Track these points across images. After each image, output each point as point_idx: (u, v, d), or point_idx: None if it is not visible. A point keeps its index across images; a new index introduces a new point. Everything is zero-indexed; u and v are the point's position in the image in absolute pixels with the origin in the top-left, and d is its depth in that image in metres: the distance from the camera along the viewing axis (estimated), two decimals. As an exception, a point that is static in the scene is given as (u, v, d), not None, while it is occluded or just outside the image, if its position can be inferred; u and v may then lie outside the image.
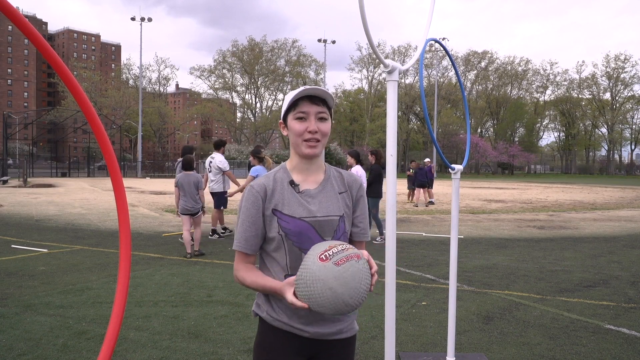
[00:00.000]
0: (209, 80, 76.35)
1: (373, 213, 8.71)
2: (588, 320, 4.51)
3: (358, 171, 8.35)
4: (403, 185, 18.38)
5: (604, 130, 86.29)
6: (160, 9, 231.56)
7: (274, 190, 1.62)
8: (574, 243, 9.09)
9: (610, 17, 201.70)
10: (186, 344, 3.78)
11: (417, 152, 78.16)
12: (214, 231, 9.27)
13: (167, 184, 29.35)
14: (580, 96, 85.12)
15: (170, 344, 3.78)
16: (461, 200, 19.51)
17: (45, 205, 15.02)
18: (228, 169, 9.31)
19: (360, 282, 1.41)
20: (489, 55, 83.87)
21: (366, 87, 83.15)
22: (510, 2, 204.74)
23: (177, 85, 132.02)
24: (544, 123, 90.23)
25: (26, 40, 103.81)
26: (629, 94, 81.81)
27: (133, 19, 52.38)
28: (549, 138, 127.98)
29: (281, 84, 78.04)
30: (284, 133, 1.67)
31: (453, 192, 3.42)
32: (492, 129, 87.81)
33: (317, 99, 1.60)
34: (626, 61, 79.72)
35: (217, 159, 9.25)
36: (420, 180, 17.07)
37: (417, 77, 77.71)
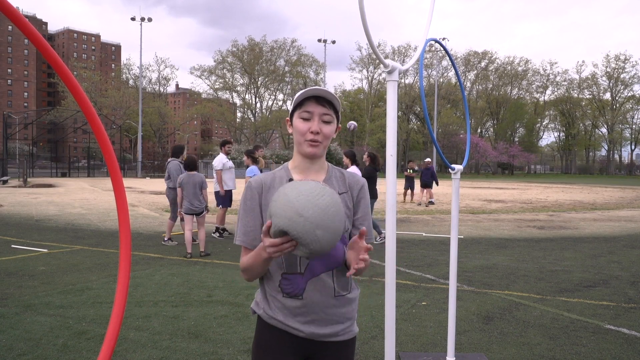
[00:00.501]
0: (209, 80, 76.42)
1: None
2: (588, 320, 4.51)
3: (354, 172, 8.36)
4: (401, 185, 18.37)
5: (604, 130, 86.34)
6: (160, 9, 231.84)
7: (271, 187, 1.63)
8: (574, 243, 9.09)
9: (611, 17, 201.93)
10: (186, 344, 3.78)
11: (417, 152, 78.18)
12: (223, 229, 9.44)
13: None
14: (580, 96, 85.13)
15: (170, 344, 3.78)
16: (461, 200, 19.51)
17: (45, 205, 15.02)
18: (219, 168, 9.31)
19: (316, 195, 1.33)
20: (489, 55, 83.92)
21: (366, 87, 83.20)
22: (510, 2, 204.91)
23: (177, 85, 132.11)
24: (544, 123, 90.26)
25: (26, 40, 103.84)
26: (629, 94, 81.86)
27: (133, 19, 52.40)
28: (549, 138, 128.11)
29: (281, 84, 78.05)
30: (290, 131, 1.68)
31: (453, 192, 3.42)
32: (492, 129, 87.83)
33: (323, 100, 1.60)
34: (626, 61, 79.77)
35: (216, 158, 9.38)
36: (424, 180, 17.12)
37: (417, 77, 77.72)
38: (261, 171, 9.34)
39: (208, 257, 7.30)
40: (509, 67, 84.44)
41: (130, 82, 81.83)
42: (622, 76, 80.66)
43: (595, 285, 5.85)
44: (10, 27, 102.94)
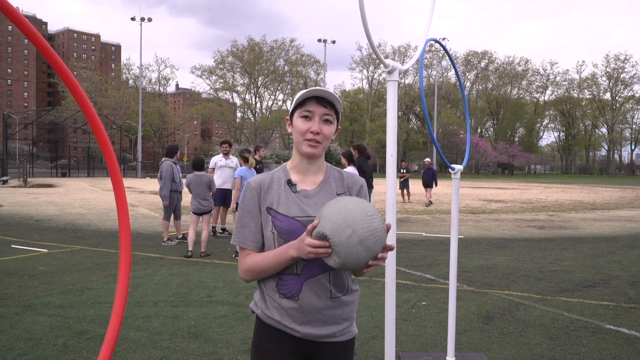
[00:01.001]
0: (210, 80, 76.44)
1: None
2: (588, 320, 4.51)
3: (352, 172, 8.35)
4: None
5: (604, 130, 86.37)
6: (161, 9, 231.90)
7: (270, 187, 1.63)
8: (574, 243, 9.09)
9: (611, 17, 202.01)
10: (186, 344, 3.78)
11: (417, 152, 78.27)
12: (223, 229, 9.55)
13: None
14: (580, 96, 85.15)
15: (170, 344, 3.78)
16: (461, 200, 19.51)
17: (45, 205, 15.02)
18: (210, 167, 9.45)
19: (373, 217, 1.36)
20: (489, 55, 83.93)
21: (366, 87, 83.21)
22: (511, 2, 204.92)
23: (177, 85, 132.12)
24: (544, 123, 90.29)
25: (26, 40, 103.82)
26: (629, 94, 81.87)
27: (133, 19, 52.40)
28: (549, 138, 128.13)
29: (281, 84, 78.07)
30: (289, 130, 1.68)
31: (453, 192, 3.42)
32: (492, 129, 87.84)
33: (324, 100, 1.60)
34: (626, 61, 79.80)
35: (212, 158, 9.54)
36: (426, 180, 17.14)
37: (417, 77, 77.73)
38: (261, 170, 9.33)
39: (208, 257, 7.30)
40: (509, 67, 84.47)
41: (130, 82, 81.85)
42: (622, 76, 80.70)
43: (595, 285, 5.85)
44: (10, 27, 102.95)
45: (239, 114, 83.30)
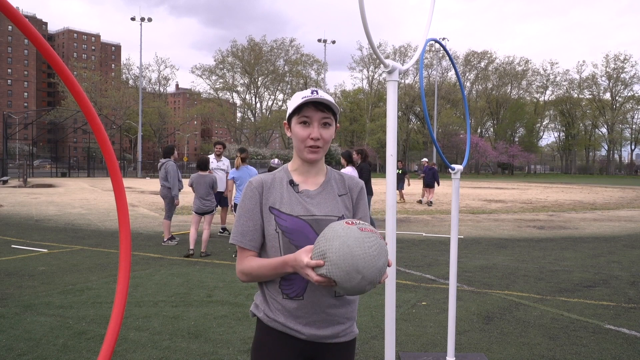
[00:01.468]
0: (210, 80, 76.43)
1: None
2: (588, 320, 4.51)
3: (350, 173, 8.37)
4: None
5: (604, 130, 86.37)
6: (162, 9, 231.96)
7: (272, 187, 1.63)
8: (574, 243, 9.09)
9: (613, 17, 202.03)
10: (186, 344, 3.78)
11: (417, 152, 78.27)
12: (224, 229, 9.69)
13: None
14: (580, 96, 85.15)
15: (170, 344, 3.78)
16: (461, 200, 19.51)
17: (45, 205, 15.02)
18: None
19: (378, 255, 1.37)
20: (489, 55, 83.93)
21: (366, 87, 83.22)
22: (513, 2, 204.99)
23: (177, 85, 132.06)
24: (544, 123, 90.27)
25: (26, 40, 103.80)
26: (629, 94, 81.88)
27: (133, 19, 52.37)
28: (549, 138, 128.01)
29: (281, 84, 78.07)
30: (288, 134, 1.68)
31: (453, 192, 3.42)
32: (492, 129, 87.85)
33: (321, 104, 1.59)
34: (626, 61, 79.79)
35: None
36: (427, 180, 17.20)
37: (417, 77, 77.76)
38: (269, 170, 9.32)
39: (208, 257, 7.30)
40: (509, 67, 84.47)
41: (130, 82, 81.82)
42: (622, 76, 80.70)
43: (595, 285, 5.85)
44: (10, 27, 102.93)
45: (239, 114, 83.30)
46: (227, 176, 9.30)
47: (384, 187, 2.19)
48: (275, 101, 79.84)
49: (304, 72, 77.52)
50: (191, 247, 7.34)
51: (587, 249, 8.49)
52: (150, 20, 52.77)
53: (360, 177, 8.71)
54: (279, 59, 77.24)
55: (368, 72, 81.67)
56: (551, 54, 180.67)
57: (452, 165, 3.38)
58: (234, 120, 79.98)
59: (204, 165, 7.69)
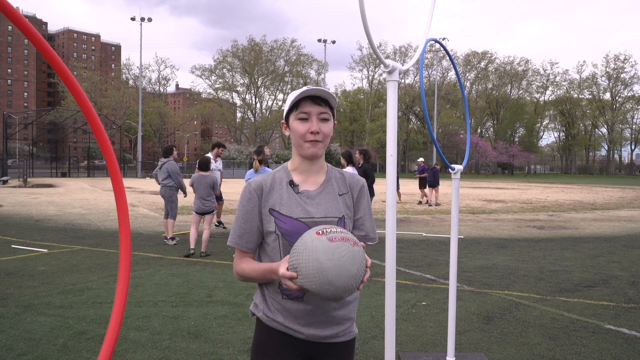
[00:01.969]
0: (210, 80, 76.43)
1: None
2: (588, 320, 4.51)
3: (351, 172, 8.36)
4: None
5: (604, 130, 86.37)
6: (162, 9, 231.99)
7: (272, 189, 1.62)
8: (574, 243, 9.09)
9: (614, 17, 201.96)
10: (186, 344, 3.78)
11: (417, 152, 78.24)
12: (219, 222, 9.91)
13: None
14: (580, 96, 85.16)
15: (170, 344, 3.78)
16: (461, 200, 19.51)
17: (45, 205, 15.02)
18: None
19: (350, 263, 1.36)
20: (489, 55, 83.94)
21: (366, 87, 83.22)
22: (513, 2, 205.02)
23: (177, 85, 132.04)
24: (544, 123, 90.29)
25: (26, 40, 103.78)
26: (629, 94, 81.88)
27: (133, 19, 52.38)
28: (549, 138, 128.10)
29: (281, 84, 78.06)
30: (286, 133, 1.66)
31: (453, 192, 3.42)
32: (492, 129, 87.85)
33: (319, 99, 1.59)
34: (626, 61, 79.80)
35: None
36: (429, 180, 17.26)
37: (417, 77, 77.76)
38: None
39: (208, 257, 7.30)
40: (509, 67, 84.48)
41: (130, 82, 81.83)
42: (622, 76, 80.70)
43: (595, 285, 5.85)
44: (10, 27, 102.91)
45: (239, 114, 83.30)
46: (221, 175, 9.89)
47: (384, 187, 2.18)
48: (275, 101, 79.84)
49: (303, 72, 77.51)
50: (192, 246, 7.36)
51: (587, 249, 8.49)
52: (150, 20, 52.82)
53: (365, 178, 8.70)
54: (279, 59, 77.26)
55: (368, 72, 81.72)
56: (551, 54, 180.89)
57: (452, 165, 3.38)
58: (234, 120, 79.97)
59: (205, 165, 7.70)
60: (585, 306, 4.95)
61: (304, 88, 1.58)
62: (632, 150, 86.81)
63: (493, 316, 4.60)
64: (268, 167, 8.14)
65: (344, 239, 1.39)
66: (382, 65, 1.91)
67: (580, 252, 8.10)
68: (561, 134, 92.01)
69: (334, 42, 63.29)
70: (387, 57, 55.12)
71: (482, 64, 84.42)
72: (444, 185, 26.12)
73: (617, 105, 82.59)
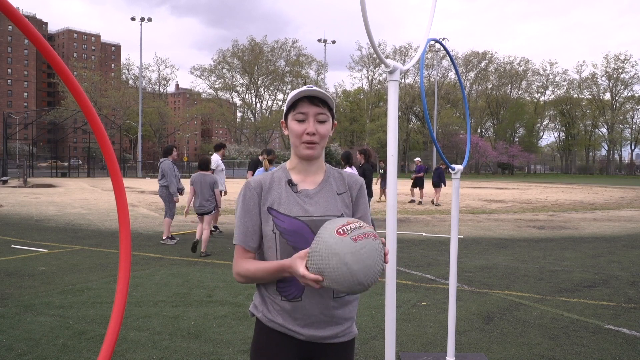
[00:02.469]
0: (209, 80, 76.43)
1: None
2: (588, 320, 4.51)
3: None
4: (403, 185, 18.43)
5: (604, 130, 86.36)
6: (163, 9, 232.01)
7: (270, 188, 1.62)
8: (574, 243, 9.09)
9: (614, 17, 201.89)
10: (186, 344, 3.78)
11: (418, 152, 78.25)
12: (215, 227, 9.68)
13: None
14: (580, 96, 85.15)
15: (170, 344, 3.78)
16: (461, 200, 19.52)
17: (45, 205, 15.02)
18: (212, 167, 9.56)
19: (375, 262, 1.37)
20: (489, 55, 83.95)
21: (366, 87, 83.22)
22: (513, 2, 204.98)
23: (177, 85, 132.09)
24: (544, 123, 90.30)
25: (26, 40, 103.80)
26: (629, 94, 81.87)
27: (133, 19, 52.39)
28: (549, 138, 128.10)
29: (281, 84, 78.06)
30: (285, 133, 1.67)
31: (453, 192, 3.42)
32: (492, 129, 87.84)
33: (316, 99, 1.58)
34: (626, 61, 79.80)
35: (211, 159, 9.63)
36: (434, 180, 17.30)
37: (417, 77, 77.74)
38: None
39: (208, 257, 7.30)
40: (509, 67, 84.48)
41: (130, 82, 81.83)
42: (622, 76, 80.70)
43: (595, 285, 5.85)
44: (10, 27, 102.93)
45: (239, 114, 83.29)
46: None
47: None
48: (275, 101, 79.84)
49: (303, 72, 77.51)
50: (197, 237, 7.58)
51: (587, 249, 8.49)
52: (150, 20, 52.82)
53: (363, 178, 8.70)
54: (279, 59, 77.26)
55: (368, 72, 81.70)
56: (551, 54, 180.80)
57: (452, 165, 3.38)
58: (234, 120, 79.96)
59: (205, 165, 7.72)
60: (585, 306, 4.95)
61: (302, 88, 1.58)
62: (632, 150, 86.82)
63: (493, 316, 4.60)
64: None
65: (366, 235, 1.38)
66: (382, 65, 1.91)
67: (580, 252, 8.10)
68: (561, 134, 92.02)
69: (334, 42, 63.28)
70: (387, 57, 55.10)
71: (482, 64, 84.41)
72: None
73: (617, 105, 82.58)
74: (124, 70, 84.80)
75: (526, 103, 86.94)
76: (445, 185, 17.55)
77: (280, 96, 79.37)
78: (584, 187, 34.93)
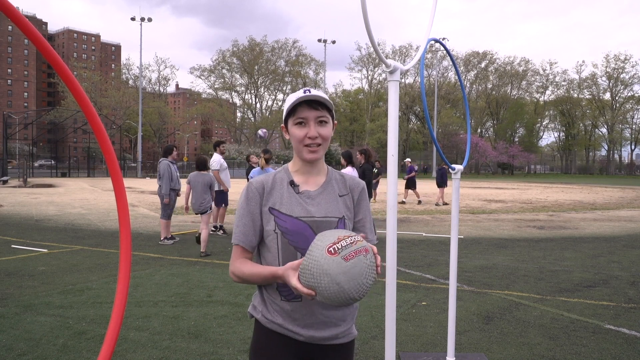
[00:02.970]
0: (209, 80, 76.41)
1: None
2: (588, 320, 4.51)
3: (350, 173, 8.35)
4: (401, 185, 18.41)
5: (604, 130, 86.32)
6: (164, 9, 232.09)
7: (273, 189, 1.62)
8: (574, 243, 9.09)
9: (614, 17, 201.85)
10: (186, 344, 3.78)
11: (418, 152, 78.25)
12: (216, 227, 9.65)
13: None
14: (580, 96, 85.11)
15: (170, 344, 3.78)
16: (461, 200, 19.51)
17: (45, 205, 15.02)
18: (216, 168, 9.54)
19: (366, 277, 1.39)
20: (489, 55, 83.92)
21: (366, 87, 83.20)
22: (514, 2, 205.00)
23: (177, 85, 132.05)
24: (544, 123, 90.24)
25: (26, 40, 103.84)
26: (629, 94, 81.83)
27: (133, 19, 52.40)
28: (549, 138, 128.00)
29: (281, 84, 78.03)
30: (286, 137, 1.67)
31: (453, 192, 3.42)
32: (492, 129, 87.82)
33: (315, 103, 1.59)
34: (626, 61, 79.75)
35: (212, 158, 9.59)
36: (437, 180, 17.36)
37: (417, 77, 77.72)
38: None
39: (208, 257, 7.30)
40: (509, 67, 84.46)
41: (130, 82, 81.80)
42: (622, 76, 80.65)
43: (595, 285, 5.85)
44: (10, 27, 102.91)
45: (239, 114, 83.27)
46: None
47: (384, 187, 2.19)
48: (275, 101, 79.81)
49: (302, 72, 77.47)
50: (203, 249, 7.49)
51: (587, 249, 8.49)
52: (150, 20, 52.86)
53: (362, 178, 8.71)
54: (279, 60, 77.22)
55: (367, 72, 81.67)
56: (551, 54, 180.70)
57: (453, 165, 3.38)
58: (234, 120, 79.91)
59: (202, 164, 7.78)
60: (585, 306, 4.95)
61: (300, 93, 1.58)
62: (632, 150, 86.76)
63: (493, 316, 4.60)
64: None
65: (357, 252, 1.39)
66: (382, 65, 1.91)
67: (580, 252, 8.10)
68: (561, 134, 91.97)
69: (334, 42, 63.31)
70: (386, 57, 55.15)
71: (483, 64, 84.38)
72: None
73: (617, 105, 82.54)
74: (124, 70, 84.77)
75: (526, 103, 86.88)
76: (446, 186, 17.56)
77: (280, 96, 79.34)
78: (584, 187, 34.93)
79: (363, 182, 1.76)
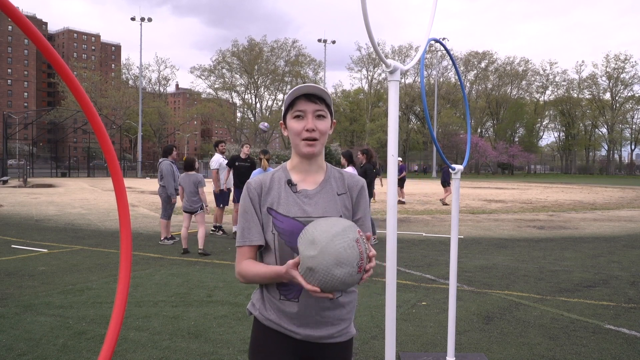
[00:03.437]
0: (209, 80, 76.41)
1: None
2: (588, 320, 4.51)
3: (351, 172, 8.35)
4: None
5: (604, 130, 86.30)
6: (164, 9, 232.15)
7: (270, 188, 1.62)
8: (574, 243, 9.09)
9: (614, 18, 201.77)
10: (186, 344, 3.78)
11: (418, 152, 78.25)
12: (216, 227, 9.63)
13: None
14: (580, 96, 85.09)
15: (170, 344, 3.78)
16: (461, 200, 19.51)
17: (45, 205, 15.02)
18: (215, 167, 9.56)
19: (353, 256, 1.39)
20: (489, 55, 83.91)
21: (366, 87, 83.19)
22: (514, 2, 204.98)
23: (177, 85, 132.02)
24: (544, 123, 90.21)
25: (26, 40, 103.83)
26: (629, 94, 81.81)
27: (133, 19, 52.39)
28: (549, 138, 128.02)
29: (281, 84, 78.04)
30: (285, 134, 1.67)
31: (453, 192, 3.42)
32: (492, 129, 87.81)
33: (314, 97, 1.59)
34: (626, 61, 79.74)
35: (212, 158, 9.60)
36: (442, 179, 17.51)
37: (417, 77, 77.71)
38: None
39: (208, 257, 7.30)
40: (509, 67, 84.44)
41: (130, 82, 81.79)
42: (622, 76, 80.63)
43: (595, 285, 5.85)
44: (10, 27, 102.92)
45: (239, 114, 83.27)
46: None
47: (384, 187, 2.18)
48: (275, 101, 79.81)
49: (302, 72, 77.48)
50: (184, 246, 7.54)
51: (587, 249, 8.49)
52: (150, 20, 52.84)
53: (364, 178, 8.69)
54: (279, 60, 77.22)
55: (367, 72, 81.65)
56: (551, 54, 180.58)
57: (453, 165, 3.38)
58: (234, 120, 79.91)
59: (190, 165, 7.90)
60: (585, 306, 4.95)
61: (299, 86, 1.59)
62: (632, 150, 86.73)
63: (493, 316, 4.60)
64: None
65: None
66: (382, 65, 1.91)
67: (580, 252, 8.10)
68: (561, 134, 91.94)
69: (334, 42, 63.31)
70: (386, 57, 55.13)
71: (482, 64, 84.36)
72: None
73: (617, 105, 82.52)
74: (124, 70, 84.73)
75: (526, 103, 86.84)
76: (449, 185, 17.62)
77: (280, 96, 79.31)
78: (584, 187, 34.93)
79: (362, 180, 1.74)
